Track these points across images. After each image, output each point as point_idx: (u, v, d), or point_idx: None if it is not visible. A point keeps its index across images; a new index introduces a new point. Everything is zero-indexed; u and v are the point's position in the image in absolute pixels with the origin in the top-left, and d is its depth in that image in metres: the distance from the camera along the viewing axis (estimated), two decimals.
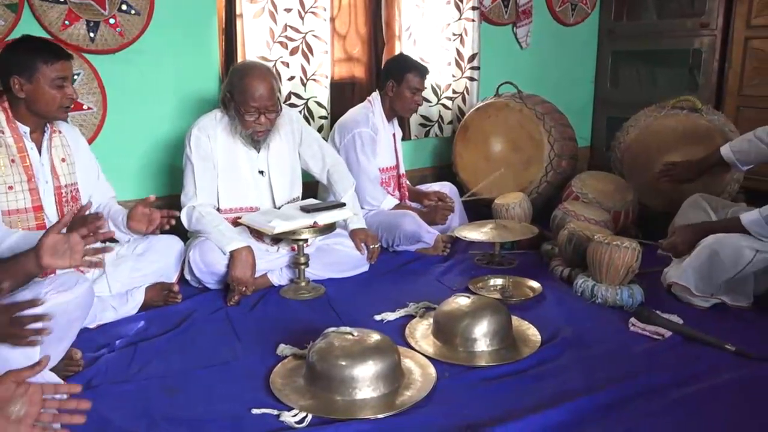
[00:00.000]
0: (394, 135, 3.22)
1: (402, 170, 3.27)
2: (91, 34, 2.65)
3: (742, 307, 2.31)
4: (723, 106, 3.65)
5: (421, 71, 3.10)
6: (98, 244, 1.68)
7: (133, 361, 1.95)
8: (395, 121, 3.25)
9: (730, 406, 1.70)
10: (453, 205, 3.19)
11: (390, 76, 3.08)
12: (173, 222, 2.25)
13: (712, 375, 1.84)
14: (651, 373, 1.85)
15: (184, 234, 2.58)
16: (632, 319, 2.18)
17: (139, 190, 2.94)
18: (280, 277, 2.60)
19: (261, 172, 2.64)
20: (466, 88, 3.81)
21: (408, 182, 3.35)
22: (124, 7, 2.70)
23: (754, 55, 3.49)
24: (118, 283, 2.25)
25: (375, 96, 3.13)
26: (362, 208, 2.96)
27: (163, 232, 2.30)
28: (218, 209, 2.57)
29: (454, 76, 3.79)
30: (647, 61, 4.25)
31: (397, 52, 3.49)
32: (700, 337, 2.05)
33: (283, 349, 1.98)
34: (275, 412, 1.66)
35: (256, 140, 2.56)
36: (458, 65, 3.77)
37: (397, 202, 3.12)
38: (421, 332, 2.13)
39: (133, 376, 1.86)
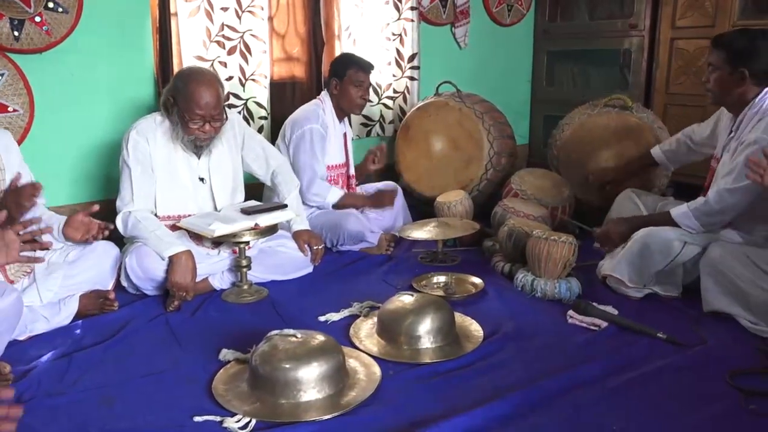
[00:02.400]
0: (345, 134, 3.21)
1: (351, 170, 3.26)
2: (16, 33, 2.54)
3: (673, 297, 2.41)
4: (652, 103, 3.80)
5: (363, 66, 3.08)
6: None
7: (67, 372, 1.87)
8: (346, 121, 3.24)
9: (663, 391, 1.77)
10: (397, 190, 3.20)
11: (333, 75, 3.07)
12: (107, 233, 2.21)
13: (645, 362, 1.92)
14: (589, 362, 1.91)
15: (119, 240, 2.50)
16: (570, 312, 2.25)
17: (72, 195, 2.84)
18: (221, 280, 2.55)
19: (201, 180, 2.58)
20: (407, 87, 3.83)
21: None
22: (50, 4, 2.59)
23: (679, 55, 3.65)
24: (50, 292, 2.16)
25: (324, 95, 3.12)
26: (307, 205, 2.94)
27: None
28: (155, 216, 2.50)
29: (394, 76, 3.81)
30: (581, 61, 4.39)
31: (337, 52, 3.49)
32: (634, 326, 2.13)
33: (225, 354, 1.95)
34: (218, 418, 1.63)
35: (198, 147, 2.50)
36: (398, 65, 3.80)
37: (343, 192, 3.09)
38: (366, 332, 2.13)
39: (68, 388, 1.79)
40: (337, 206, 3.03)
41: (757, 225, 2.35)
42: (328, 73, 3.16)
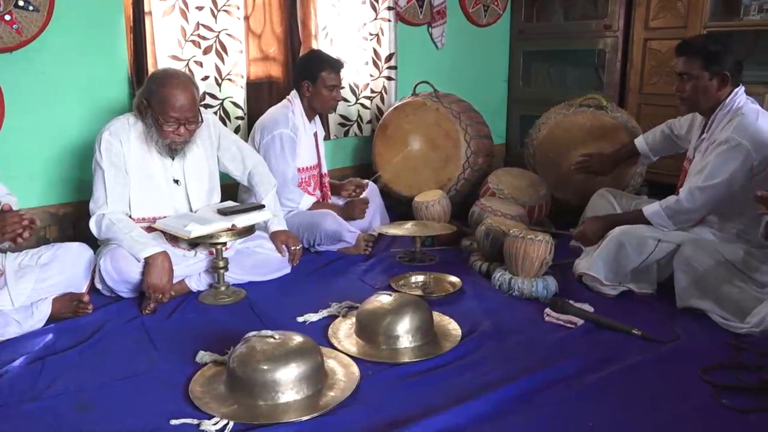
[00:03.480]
0: (315, 134, 3.19)
1: (324, 169, 3.24)
2: None
3: (647, 294, 2.44)
4: (626, 103, 3.85)
5: (335, 66, 3.05)
6: None
7: (40, 377, 1.84)
8: (317, 119, 3.22)
9: (638, 386, 1.79)
10: (367, 200, 3.19)
11: (304, 77, 3.03)
12: (27, 235, 1.95)
13: (621, 358, 1.94)
14: (566, 359, 1.93)
15: (93, 241, 2.47)
16: (547, 310, 2.27)
17: (44, 197, 2.79)
18: (198, 282, 2.53)
19: (176, 181, 2.55)
20: (384, 87, 3.84)
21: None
22: (21, 3, 2.54)
23: (652, 55, 3.70)
24: (22, 295, 2.12)
25: (294, 95, 3.08)
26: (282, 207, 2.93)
27: (70, 239, 2.18)
28: (130, 218, 2.46)
29: (371, 76, 3.81)
30: (556, 61, 4.43)
31: None
32: (610, 323, 2.16)
33: (202, 356, 1.93)
34: (195, 421, 1.62)
35: (173, 149, 2.47)
36: (375, 65, 3.80)
37: (315, 200, 3.09)
38: (344, 332, 2.13)
39: (42, 393, 1.76)
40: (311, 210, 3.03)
41: (728, 222, 2.40)
42: (296, 73, 3.10)
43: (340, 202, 3.26)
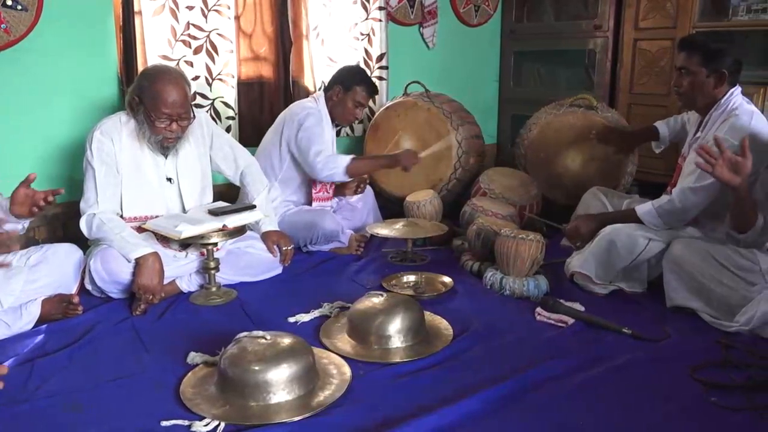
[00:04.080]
0: (332, 138, 3.21)
1: None
2: None
3: (637, 293, 2.46)
4: (616, 103, 3.86)
5: (371, 89, 3.11)
6: None
7: (30, 379, 1.83)
8: (333, 125, 3.23)
9: (629, 385, 1.80)
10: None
11: (339, 82, 3.06)
12: (52, 199, 2.04)
13: (611, 357, 1.95)
14: (557, 359, 1.94)
15: (83, 242, 2.45)
16: (538, 309, 2.28)
17: None
18: (189, 283, 2.52)
19: (169, 180, 2.54)
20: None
21: None
22: (9, 2, 2.52)
23: (642, 55, 3.72)
24: (11, 297, 2.11)
25: (320, 95, 3.11)
26: (322, 181, 2.95)
27: (60, 240, 2.17)
28: (121, 217, 2.45)
29: None
30: (547, 61, 4.44)
31: (305, 52, 3.46)
32: (600, 322, 2.17)
33: (193, 357, 1.93)
34: (186, 422, 1.61)
35: (165, 146, 2.46)
36: (367, 65, 3.79)
37: (351, 156, 3.02)
38: (336, 332, 2.13)
39: (31, 395, 1.75)
40: (350, 171, 2.96)
41: (719, 223, 2.41)
42: (334, 77, 3.12)
43: (343, 201, 3.28)
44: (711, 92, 2.39)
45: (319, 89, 3.29)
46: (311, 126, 2.95)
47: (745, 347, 1.99)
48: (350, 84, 3.04)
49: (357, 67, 3.24)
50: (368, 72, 3.30)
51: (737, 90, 2.40)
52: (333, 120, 3.16)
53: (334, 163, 2.93)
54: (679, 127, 2.90)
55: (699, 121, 2.53)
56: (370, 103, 3.81)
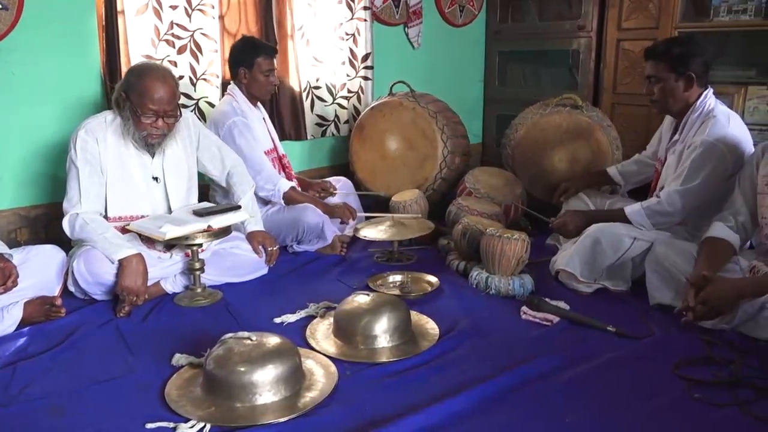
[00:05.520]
0: (264, 119, 3.16)
1: (281, 151, 3.20)
2: None
3: (622, 291, 2.48)
4: (600, 102, 3.90)
5: (269, 52, 3.02)
6: None
7: (12, 382, 1.81)
8: (260, 105, 3.17)
9: (613, 382, 1.81)
10: (354, 210, 3.11)
11: (240, 64, 2.99)
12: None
13: (596, 355, 1.97)
14: (543, 357, 1.95)
15: (66, 243, 2.43)
16: (524, 308, 2.29)
17: (16, 199, 2.74)
18: (174, 284, 2.50)
19: (155, 179, 2.52)
20: (361, 87, 3.83)
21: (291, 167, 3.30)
22: None
23: (625, 56, 3.75)
24: None
25: (233, 87, 3.04)
26: (259, 199, 2.90)
27: (42, 241, 2.15)
28: (106, 217, 2.43)
29: (348, 76, 3.80)
30: (532, 61, 4.47)
31: (290, 52, 3.46)
32: (585, 320, 2.18)
33: (178, 358, 1.91)
34: (171, 425, 1.60)
35: (150, 144, 2.44)
36: (352, 65, 3.79)
37: (292, 184, 3.04)
38: (322, 332, 2.12)
39: (14, 398, 1.73)
40: (288, 199, 2.98)
41: (704, 224, 2.43)
42: (231, 62, 3.03)
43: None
44: (682, 96, 2.44)
45: (304, 90, 3.26)
46: (240, 139, 2.90)
47: (727, 344, 2.01)
48: (249, 60, 2.97)
49: (244, 41, 3.07)
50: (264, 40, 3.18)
51: (709, 91, 2.46)
52: (256, 100, 3.10)
53: (275, 185, 2.95)
54: (640, 166, 2.87)
55: (675, 124, 2.57)
56: (356, 103, 3.82)
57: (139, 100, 2.33)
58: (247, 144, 2.92)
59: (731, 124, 2.37)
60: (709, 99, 2.43)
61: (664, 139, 2.64)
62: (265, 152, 3.05)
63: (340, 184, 3.37)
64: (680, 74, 2.41)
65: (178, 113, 2.45)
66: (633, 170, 2.91)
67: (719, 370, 1.86)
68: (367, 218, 3.08)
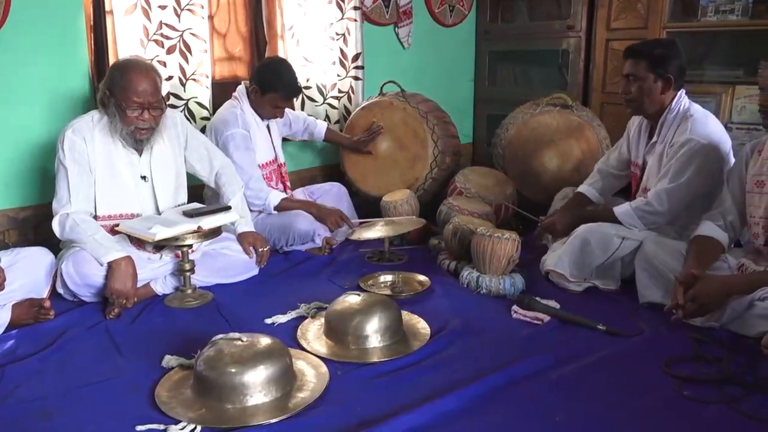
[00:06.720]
0: (268, 127, 3.14)
1: (281, 159, 3.20)
2: None
3: (611, 290, 2.49)
4: (590, 102, 3.91)
5: (290, 95, 3.01)
6: None
7: (1, 385, 1.79)
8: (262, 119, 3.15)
9: (604, 380, 1.83)
10: (345, 216, 3.08)
11: (257, 82, 2.96)
12: None
13: (586, 353, 1.98)
14: (533, 356, 1.95)
15: (55, 245, 2.41)
16: (514, 307, 2.30)
17: (5, 200, 2.71)
18: (164, 285, 2.49)
19: (143, 177, 2.51)
20: (351, 87, 3.83)
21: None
22: None
23: (614, 55, 3.77)
24: None
25: (241, 91, 3.02)
26: (251, 210, 2.90)
27: (31, 243, 2.13)
28: (95, 216, 2.41)
29: (339, 76, 3.79)
30: (522, 61, 4.48)
31: (279, 52, 3.45)
32: (575, 319, 2.19)
33: (168, 360, 1.91)
34: (161, 426, 1.59)
35: (139, 140, 2.42)
36: (342, 65, 3.78)
37: (284, 195, 3.05)
38: (314, 333, 2.12)
39: (2, 401, 1.72)
40: (281, 209, 2.99)
41: (692, 223, 2.45)
42: (255, 72, 3.02)
43: (315, 195, 3.26)
44: (659, 97, 2.47)
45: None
46: (235, 152, 2.88)
47: (716, 342, 2.02)
48: (268, 88, 2.94)
49: (279, 66, 3.01)
50: (294, 74, 3.02)
51: (683, 93, 2.49)
52: (260, 115, 3.07)
53: (264, 200, 2.95)
54: (608, 179, 2.83)
55: (649, 127, 2.59)
56: (346, 103, 3.82)
57: (124, 94, 2.33)
58: (240, 158, 2.89)
59: (710, 121, 2.42)
60: (683, 99, 2.47)
61: (639, 144, 2.66)
62: (263, 164, 3.04)
63: (335, 190, 3.37)
64: (659, 75, 2.44)
65: (164, 106, 2.44)
66: (606, 185, 2.86)
67: (708, 367, 1.88)
68: (361, 224, 3.08)
